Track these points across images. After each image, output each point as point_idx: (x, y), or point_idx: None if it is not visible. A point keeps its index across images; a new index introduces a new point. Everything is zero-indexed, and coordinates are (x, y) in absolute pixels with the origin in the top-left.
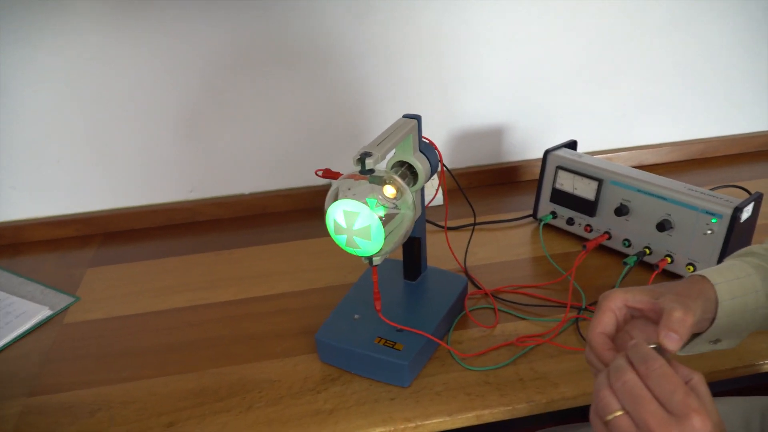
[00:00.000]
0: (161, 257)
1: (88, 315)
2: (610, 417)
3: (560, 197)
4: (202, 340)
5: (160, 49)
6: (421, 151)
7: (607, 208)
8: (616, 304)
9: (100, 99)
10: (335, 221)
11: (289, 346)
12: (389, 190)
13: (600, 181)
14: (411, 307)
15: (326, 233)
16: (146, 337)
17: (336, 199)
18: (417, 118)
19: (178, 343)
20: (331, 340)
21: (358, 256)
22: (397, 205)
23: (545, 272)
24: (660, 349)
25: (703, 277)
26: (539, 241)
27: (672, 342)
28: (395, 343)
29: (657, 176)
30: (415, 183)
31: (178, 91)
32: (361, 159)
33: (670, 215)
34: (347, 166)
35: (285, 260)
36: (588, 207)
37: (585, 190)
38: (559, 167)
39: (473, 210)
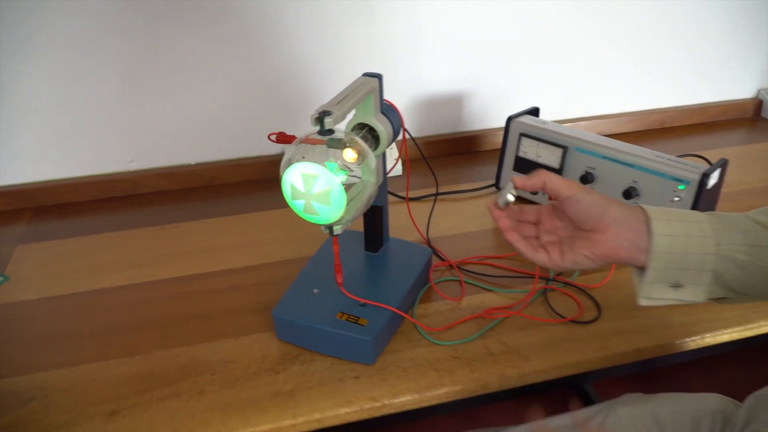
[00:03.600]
0: (99, 232)
1: (18, 295)
2: None
3: (524, 165)
4: (147, 320)
5: (95, 8)
6: (382, 113)
7: (572, 175)
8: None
9: (27, 61)
10: (292, 185)
11: (244, 325)
12: (349, 154)
13: (565, 149)
14: (374, 280)
15: (281, 204)
16: (84, 319)
17: (292, 162)
18: (378, 76)
19: (120, 324)
20: (290, 317)
21: (315, 227)
22: (359, 171)
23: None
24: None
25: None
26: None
27: (518, 178)
28: (358, 318)
29: (622, 143)
30: (376, 147)
31: (115, 54)
32: (320, 118)
33: (636, 182)
34: (303, 132)
35: (236, 234)
36: None
37: (549, 157)
38: (522, 134)
39: (436, 179)
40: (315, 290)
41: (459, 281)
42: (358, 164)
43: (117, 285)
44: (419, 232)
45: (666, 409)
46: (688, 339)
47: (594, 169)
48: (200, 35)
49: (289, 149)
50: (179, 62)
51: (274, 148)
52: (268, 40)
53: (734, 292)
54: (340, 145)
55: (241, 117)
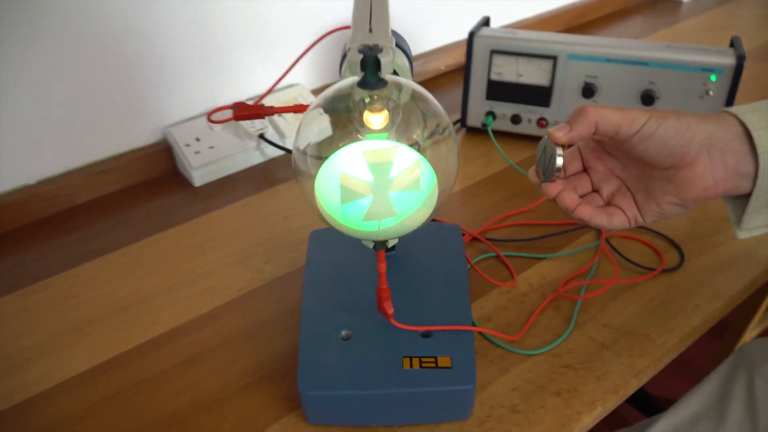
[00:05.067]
0: None
1: None
2: None
3: (500, 91)
4: None
5: None
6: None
7: (566, 92)
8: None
9: None
10: (349, 179)
11: (240, 417)
12: (376, 120)
13: (554, 59)
14: (415, 292)
15: (201, 210)
16: None
17: (326, 149)
18: None
19: None
20: (332, 390)
21: (268, 231)
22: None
23: (519, 191)
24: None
25: (728, 113)
26: (489, 152)
27: (557, 130)
28: (435, 358)
29: (624, 40)
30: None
31: None
32: (370, 59)
33: (653, 83)
34: (179, 105)
35: (152, 272)
36: (540, 96)
37: (535, 74)
38: (494, 51)
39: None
40: (343, 332)
41: (498, 257)
42: (388, 128)
43: None
44: None
45: None
46: None
47: (596, 77)
48: None
49: (303, 125)
50: None
51: (155, 134)
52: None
53: None
54: (357, 105)
55: (91, 100)
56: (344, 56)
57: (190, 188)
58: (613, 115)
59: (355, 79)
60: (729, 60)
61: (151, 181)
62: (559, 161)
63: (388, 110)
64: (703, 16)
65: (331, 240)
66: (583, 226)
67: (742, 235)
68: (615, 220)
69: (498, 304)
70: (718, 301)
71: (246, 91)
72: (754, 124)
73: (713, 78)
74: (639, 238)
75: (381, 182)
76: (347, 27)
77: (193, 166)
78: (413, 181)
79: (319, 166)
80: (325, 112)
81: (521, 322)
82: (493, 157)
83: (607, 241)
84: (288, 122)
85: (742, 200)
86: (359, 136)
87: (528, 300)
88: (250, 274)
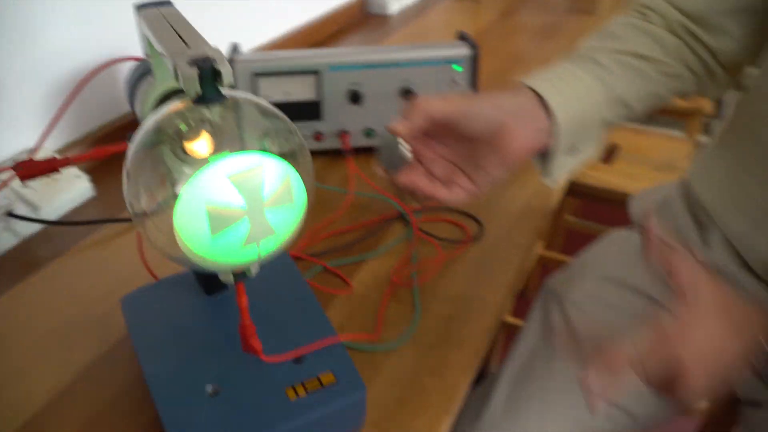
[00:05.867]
0: None
1: None
2: None
3: None
4: None
5: None
6: None
7: (335, 102)
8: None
9: None
10: (213, 208)
11: None
12: (201, 146)
13: (318, 73)
14: (267, 322)
15: None
16: None
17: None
18: (166, 2)
19: None
20: None
21: (67, 303)
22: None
23: (316, 204)
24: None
25: (524, 85)
26: None
27: (397, 124)
28: (316, 377)
29: (377, 47)
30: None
31: None
32: (208, 73)
33: (410, 81)
34: None
35: None
36: (311, 110)
37: (302, 90)
38: (258, 74)
39: None
40: (209, 388)
41: (326, 269)
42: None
43: None
44: None
45: (616, 263)
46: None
47: (359, 84)
48: None
49: (127, 167)
50: None
51: None
52: None
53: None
54: (177, 131)
55: None
56: (133, 87)
57: None
58: (438, 102)
59: (177, 103)
60: (466, 51)
61: None
62: (407, 152)
63: (213, 128)
64: (410, 24)
65: (148, 299)
66: (389, 220)
67: (549, 181)
68: (461, 194)
69: (344, 313)
70: (523, 251)
71: None
72: (546, 92)
73: (458, 68)
74: (444, 218)
75: (255, 204)
76: (111, 63)
77: None
78: (286, 196)
79: (170, 207)
80: (152, 147)
81: (372, 322)
82: None
83: (419, 228)
84: (37, 191)
85: (545, 153)
86: (206, 159)
87: (369, 300)
88: (54, 370)
